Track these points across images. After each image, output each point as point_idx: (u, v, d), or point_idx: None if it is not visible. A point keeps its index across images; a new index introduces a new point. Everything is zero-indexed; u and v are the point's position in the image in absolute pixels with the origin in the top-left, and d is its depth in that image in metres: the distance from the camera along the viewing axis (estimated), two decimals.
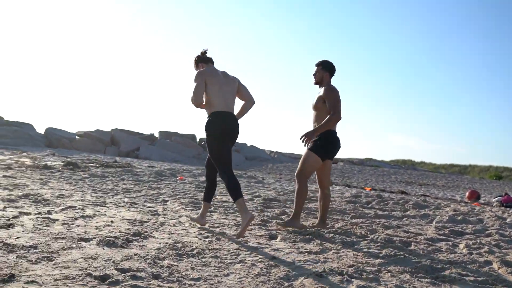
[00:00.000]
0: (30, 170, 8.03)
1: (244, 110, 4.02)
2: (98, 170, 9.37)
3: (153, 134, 23.66)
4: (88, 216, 4.02)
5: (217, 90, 3.75)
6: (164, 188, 7.30)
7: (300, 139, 4.03)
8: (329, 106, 4.06)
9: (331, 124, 4.03)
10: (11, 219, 3.50)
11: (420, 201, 8.57)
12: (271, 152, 29.93)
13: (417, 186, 19.16)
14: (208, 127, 3.72)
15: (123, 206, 4.88)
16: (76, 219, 3.84)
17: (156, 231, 3.68)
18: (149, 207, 5.04)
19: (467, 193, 11.96)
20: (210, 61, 3.97)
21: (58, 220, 3.70)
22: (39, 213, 3.91)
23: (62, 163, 9.75)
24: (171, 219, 4.36)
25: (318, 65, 4.23)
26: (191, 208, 5.29)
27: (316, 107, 4.18)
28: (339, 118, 4.03)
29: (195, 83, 3.75)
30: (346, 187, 13.19)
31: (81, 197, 5.30)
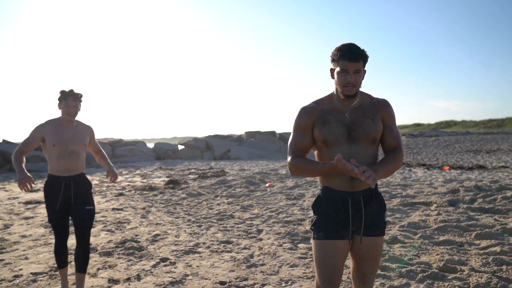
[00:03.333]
0: (138, 195, 7.66)
1: None
2: (195, 185, 8.87)
3: (240, 135, 23.19)
4: (178, 282, 3.02)
5: None
6: (256, 206, 6.21)
7: (362, 177, 1.55)
8: (393, 136, 1.80)
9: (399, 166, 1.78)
10: None
11: None
12: None
13: (486, 154, 16.56)
14: None
15: (216, 252, 3.83)
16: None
17: None
18: (244, 248, 3.93)
19: None
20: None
21: None
22: (128, 279, 3.05)
23: (165, 181, 9.47)
24: (271, 274, 3.18)
25: (357, 58, 1.68)
26: (289, 244, 4.05)
27: (376, 134, 1.77)
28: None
29: None
30: (425, 170, 11.04)
31: (175, 237, 4.41)
